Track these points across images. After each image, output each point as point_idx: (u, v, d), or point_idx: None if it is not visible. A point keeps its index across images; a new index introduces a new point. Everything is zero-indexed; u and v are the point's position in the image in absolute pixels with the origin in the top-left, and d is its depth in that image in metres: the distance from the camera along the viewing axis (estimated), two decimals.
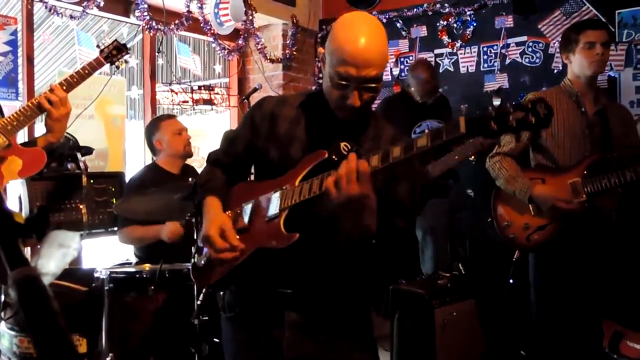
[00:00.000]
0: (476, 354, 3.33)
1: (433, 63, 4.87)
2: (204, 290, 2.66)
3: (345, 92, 1.61)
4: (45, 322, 0.80)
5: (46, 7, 3.70)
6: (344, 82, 1.59)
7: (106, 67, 4.31)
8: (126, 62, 2.84)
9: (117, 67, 2.83)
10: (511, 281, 3.50)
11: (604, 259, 2.84)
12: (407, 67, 4.97)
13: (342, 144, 1.64)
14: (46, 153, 2.37)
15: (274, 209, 1.66)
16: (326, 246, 1.68)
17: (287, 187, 1.66)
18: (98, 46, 2.74)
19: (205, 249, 1.83)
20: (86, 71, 2.53)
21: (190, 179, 3.32)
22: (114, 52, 2.73)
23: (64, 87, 2.40)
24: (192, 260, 1.91)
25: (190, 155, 3.52)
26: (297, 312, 1.72)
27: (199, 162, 4.79)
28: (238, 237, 1.68)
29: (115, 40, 2.78)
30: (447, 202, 3.84)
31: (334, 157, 1.62)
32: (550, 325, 2.89)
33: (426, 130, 3.68)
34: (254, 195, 1.75)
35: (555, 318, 2.86)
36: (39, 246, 1.53)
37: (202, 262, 1.83)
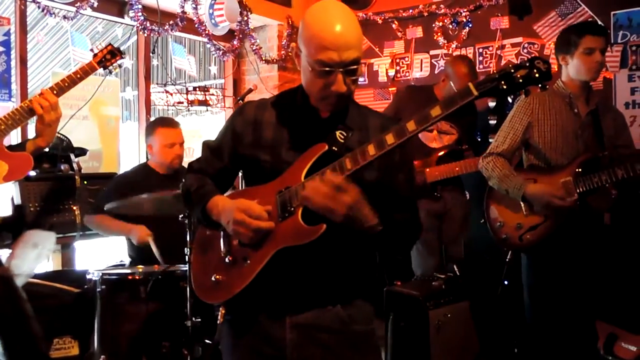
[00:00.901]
0: (471, 356, 3.33)
1: (428, 64, 4.87)
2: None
3: (329, 79, 1.61)
4: (15, 326, 0.79)
5: (39, 8, 3.69)
6: (327, 69, 1.59)
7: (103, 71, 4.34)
8: (120, 66, 2.82)
9: (110, 72, 2.80)
10: (505, 282, 3.50)
11: (596, 259, 2.84)
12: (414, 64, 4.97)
13: (337, 133, 1.65)
14: (34, 157, 2.35)
15: (286, 207, 1.64)
16: (338, 239, 1.65)
17: (291, 185, 1.64)
18: (92, 50, 2.72)
19: (209, 263, 1.79)
20: (78, 76, 2.51)
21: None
22: (108, 57, 2.71)
23: (55, 92, 2.38)
24: (194, 278, 1.86)
25: (175, 169, 3.48)
26: (300, 313, 1.70)
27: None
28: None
29: (110, 44, 2.76)
30: (442, 204, 3.83)
31: (334, 147, 1.63)
32: (544, 326, 2.89)
33: (435, 132, 3.69)
34: (253, 200, 1.69)
35: (549, 319, 2.85)
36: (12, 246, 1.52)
37: (214, 278, 1.75)
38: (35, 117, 2.39)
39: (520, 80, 1.44)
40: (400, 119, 3.49)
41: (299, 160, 1.66)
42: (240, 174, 1.93)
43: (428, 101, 4.01)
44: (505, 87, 1.45)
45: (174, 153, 3.45)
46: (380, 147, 1.52)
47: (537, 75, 1.44)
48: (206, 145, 1.87)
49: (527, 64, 1.45)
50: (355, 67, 1.61)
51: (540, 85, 1.46)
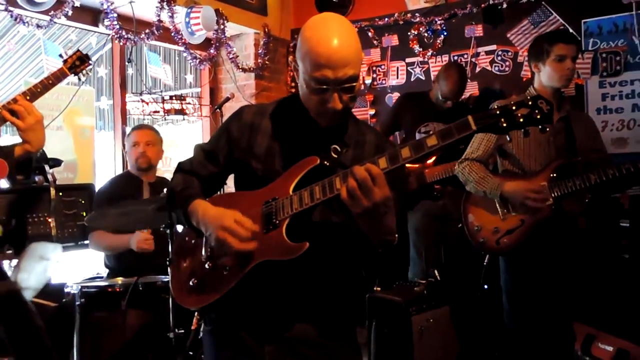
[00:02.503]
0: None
1: (404, 72, 4.91)
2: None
3: (324, 97, 1.58)
4: (28, 339, 0.77)
5: (12, 17, 3.62)
6: (322, 87, 1.56)
7: (74, 78, 4.27)
8: (88, 73, 2.81)
9: (79, 79, 2.78)
10: (485, 286, 3.53)
11: (572, 262, 2.89)
12: (380, 75, 5.01)
13: (331, 147, 1.63)
14: (22, 162, 2.30)
15: (271, 219, 1.61)
16: (324, 253, 1.63)
17: (279, 197, 1.61)
18: (61, 56, 2.70)
19: (188, 266, 1.75)
20: (50, 81, 2.48)
21: (164, 190, 3.28)
22: (78, 63, 2.69)
23: (28, 97, 2.34)
24: (172, 279, 1.82)
25: (142, 168, 3.48)
26: (280, 326, 1.68)
27: (170, 173, 4.74)
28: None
29: (78, 50, 2.75)
30: (441, 205, 3.86)
31: (325, 162, 1.60)
32: (522, 329, 2.92)
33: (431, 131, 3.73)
34: (239, 206, 1.66)
35: (528, 321, 2.89)
36: (18, 260, 1.48)
37: (192, 282, 1.72)
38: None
39: (521, 120, 1.40)
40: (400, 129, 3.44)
41: (289, 172, 1.63)
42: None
43: (424, 106, 4.09)
44: (505, 124, 1.41)
45: (137, 152, 3.47)
46: (418, 150, 1.45)
47: (538, 116, 1.40)
48: (200, 148, 1.83)
49: (530, 103, 1.41)
50: (351, 84, 1.57)
51: (540, 127, 1.41)
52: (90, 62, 2.76)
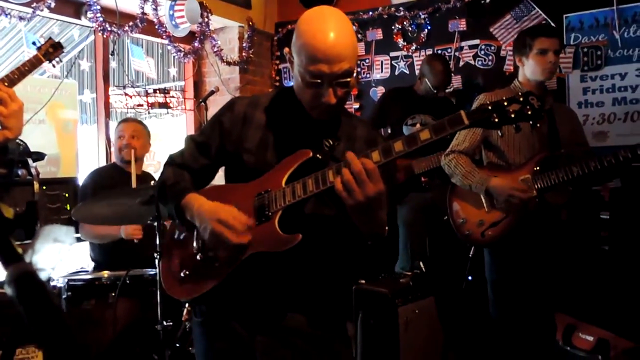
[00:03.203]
0: (437, 350, 3.39)
1: (389, 66, 4.94)
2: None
3: (319, 91, 1.58)
4: (48, 320, 0.77)
5: None
6: (317, 80, 1.56)
7: (57, 71, 4.22)
8: (60, 60, 2.94)
9: (54, 66, 2.93)
10: (470, 278, 3.58)
11: (555, 254, 2.95)
12: (366, 67, 5.03)
13: (323, 141, 1.63)
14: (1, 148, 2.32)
15: (263, 211, 1.61)
16: (316, 245, 1.64)
17: (271, 189, 1.62)
18: (34, 43, 2.80)
19: (179, 258, 1.75)
20: (26, 68, 2.53)
21: (152, 183, 3.28)
22: (51, 50, 2.80)
23: (6, 84, 2.33)
24: (162, 270, 1.82)
25: (124, 160, 3.52)
26: (271, 317, 1.69)
27: (154, 167, 4.71)
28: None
29: (50, 38, 2.85)
30: (429, 197, 3.89)
31: (318, 155, 1.61)
32: (506, 319, 2.97)
33: (418, 125, 3.76)
34: (230, 199, 1.66)
35: (511, 311, 2.94)
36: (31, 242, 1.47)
37: (183, 273, 1.72)
38: None
39: (512, 116, 1.44)
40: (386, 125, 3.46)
41: (282, 164, 1.64)
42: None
43: (410, 101, 4.10)
44: (497, 119, 1.44)
45: (121, 144, 3.53)
46: (411, 144, 1.47)
47: (529, 112, 1.44)
48: (191, 139, 1.82)
49: (521, 99, 1.45)
50: (347, 79, 1.57)
51: (531, 123, 1.45)
52: (62, 49, 2.87)
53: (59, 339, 0.76)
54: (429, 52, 4.73)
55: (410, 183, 3.84)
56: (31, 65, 2.55)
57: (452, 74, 4.47)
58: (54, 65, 2.88)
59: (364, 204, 1.46)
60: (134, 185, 3.32)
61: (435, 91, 4.01)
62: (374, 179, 1.45)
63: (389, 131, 4.20)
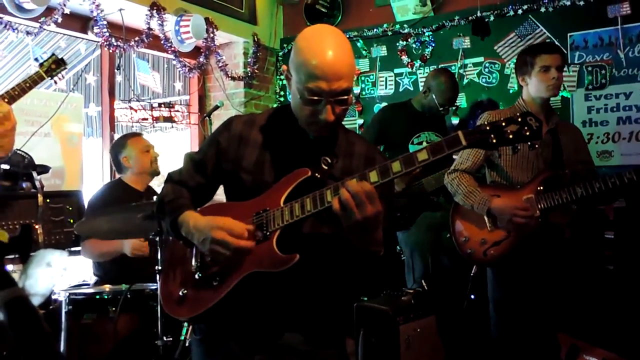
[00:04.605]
0: None
1: (393, 82, 4.95)
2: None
3: (317, 108, 1.58)
4: (38, 346, 0.77)
5: (1, 23, 3.61)
6: (315, 98, 1.56)
7: (63, 84, 4.25)
8: (63, 76, 2.88)
9: (55, 82, 2.86)
10: (472, 296, 3.55)
11: (558, 273, 2.92)
12: (370, 83, 5.04)
13: (321, 159, 1.64)
14: None
15: (262, 230, 1.61)
16: (314, 265, 1.64)
17: (269, 208, 1.62)
18: (37, 59, 2.77)
19: (178, 276, 1.75)
20: (27, 84, 2.52)
21: (154, 197, 3.27)
22: (53, 66, 2.76)
23: (6, 100, 2.34)
24: (161, 288, 1.83)
25: (157, 172, 3.54)
26: (269, 336, 1.69)
27: (158, 181, 4.72)
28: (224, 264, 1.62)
29: (53, 54, 2.82)
30: (439, 217, 3.84)
31: (317, 174, 1.61)
32: (508, 339, 2.94)
33: (424, 143, 3.72)
34: (229, 216, 1.65)
35: (513, 331, 2.91)
36: (24, 266, 1.46)
37: (182, 292, 1.72)
38: None
39: (511, 137, 1.43)
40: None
41: (280, 183, 1.64)
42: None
43: (411, 117, 4.03)
44: (494, 141, 1.43)
45: (151, 156, 3.52)
46: (409, 164, 1.48)
47: (527, 133, 1.42)
48: (189, 157, 1.84)
49: (519, 120, 1.43)
50: (345, 97, 1.58)
51: (529, 144, 1.46)
52: (65, 66, 2.82)
53: None
54: (433, 69, 4.74)
55: (422, 203, 3.79)
56: (32, 82, 2.55)
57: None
58: (55, 82, 2.85)
59: (361, 224, 1.47)
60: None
61: (440, 108, 3.92)
62: (372, 200, 1.45)
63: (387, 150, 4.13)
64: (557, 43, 4.12)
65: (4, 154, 2.30)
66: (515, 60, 3.16)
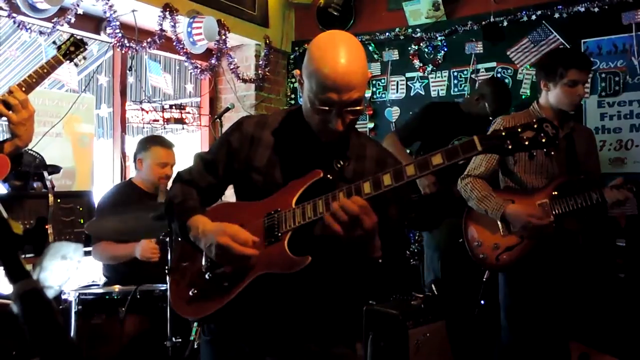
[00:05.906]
0: None
1: (404, 86, 4.94)
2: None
3: (327, 117, 1.57)
4: (52, 339, 0.76)
5: (15, 23, 3.62)
6: (325, 108, 1.55)
7: (75, 85, 4.27)
8: (84, 58, 2.70)
9: (76, 65, 2.69)
10: (482, 302, 3.53)
11: (570, 281, 2.90)
12: (380, 88, 5.03)
13: (334, 161, 1.63)
14: (12, 158, 2.25)
15: (273, 231, 1.60)
16: (325, 267, 1.63)
17: (281, 209, 1.61)
18: (54, 42, 2.61)
19: (188, 277, 1.75)
20: (45, 70, 2.40)
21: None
22: (72, 49, 2.59)
23: (23, 89, 2.27)
24: (171, 288, 1.81)
25: (155, 186, 3.44)
26: (279, 340, 1.68)
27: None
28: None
29: (72, 35, 2.66)
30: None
31: (329, 176, 1.60)
32: (519, 345, 2.92)
33: None
34: (240, 217, 1.66)
35: (524, 338, 2.89)
36: (39, 259, 1.45)
37: (192, 292, 1.71)
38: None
39: (526, 143, 1.40)
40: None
41: (292, 184, 1.63)
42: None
43: (456, 118, 3.98)
44: (510, 147, 1.41)
45: (163, 173, 3.44)
46: (423, 168, 1.47)
47: (543, 140, 1.40)
48: (199, 157, 1.82)
49: (535, 126, 1.41)
50: (355, 107, 1.57)
51: (545, 151, 1.42)
52: (85, 47, 2.66)
53: (62, 355, 0.75)
54: (445, 73, 4.73)
55: (449, 207, 3.74)
56: (50, 67, 2.41)
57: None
58: (76, 65, 2.65)
59: (361, 237, 1.49)
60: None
61: (491, 117, 3.79)
62: (368, 213, 1.47)
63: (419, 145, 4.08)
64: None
65: (23, 144, 2.26)
66: (539, 61, 3.08)
